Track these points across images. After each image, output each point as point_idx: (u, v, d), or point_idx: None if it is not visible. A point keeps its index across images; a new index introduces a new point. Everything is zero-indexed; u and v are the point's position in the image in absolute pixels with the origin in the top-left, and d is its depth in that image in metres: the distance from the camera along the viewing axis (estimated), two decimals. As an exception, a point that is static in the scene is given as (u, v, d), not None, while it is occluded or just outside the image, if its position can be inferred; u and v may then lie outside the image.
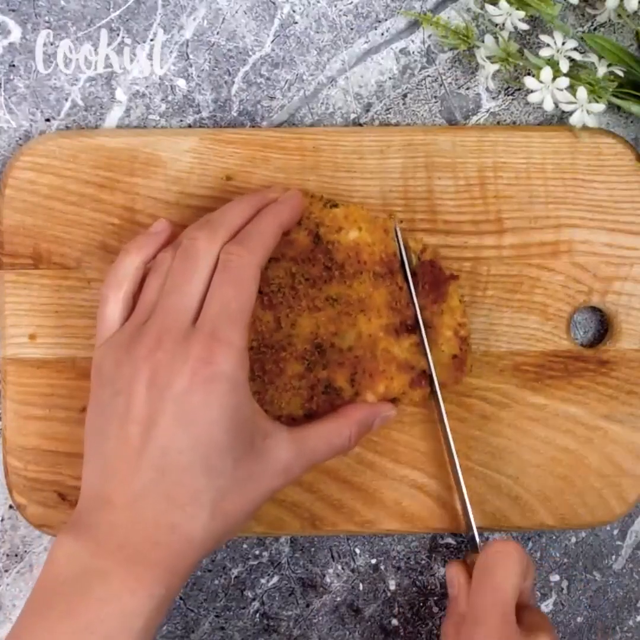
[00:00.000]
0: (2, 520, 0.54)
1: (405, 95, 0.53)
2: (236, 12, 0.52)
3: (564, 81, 0.49)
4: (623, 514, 0.53)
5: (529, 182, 0.52)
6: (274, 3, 0.52)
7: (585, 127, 0.51)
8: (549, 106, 0.49)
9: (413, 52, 0.53)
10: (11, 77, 0.52)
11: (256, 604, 0.55)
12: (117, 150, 0.51)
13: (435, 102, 0.53)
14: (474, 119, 0.54)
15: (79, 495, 0.44)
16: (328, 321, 0.48)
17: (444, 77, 0.53)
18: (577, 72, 0.49)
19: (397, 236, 0.49)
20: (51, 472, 0.52)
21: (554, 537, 0.55)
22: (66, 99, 0.53)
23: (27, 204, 0.51)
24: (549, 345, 0.52)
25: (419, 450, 0.52)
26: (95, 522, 0.42)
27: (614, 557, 0.56)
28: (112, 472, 0.43)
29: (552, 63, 0.49)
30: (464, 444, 0.52)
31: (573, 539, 0.56)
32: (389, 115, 0.53)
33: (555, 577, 0.56)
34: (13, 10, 0.52)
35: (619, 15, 0.51)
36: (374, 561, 0.55)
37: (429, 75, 0.53)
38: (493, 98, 0.54)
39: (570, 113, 0.50)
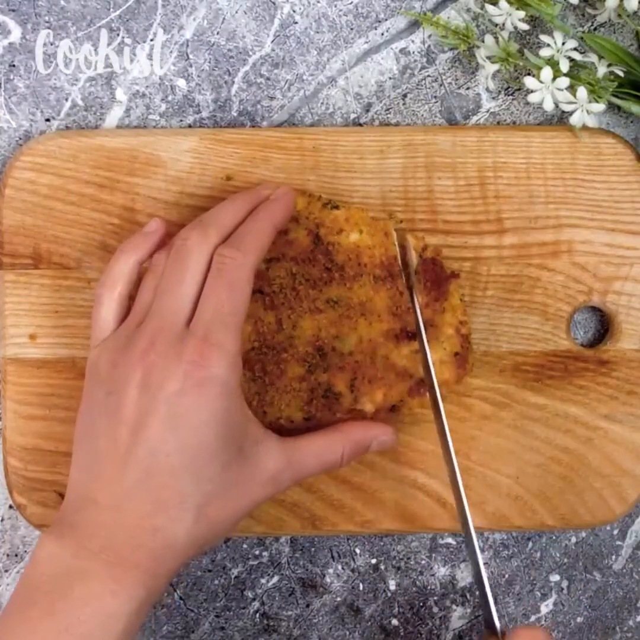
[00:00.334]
0: (2, 520, 0.54)
1: (405, 95, 0.53)
2: (236, 12, 0.52)
3: (564, 81, 0.49)
4: (623, 514, 0.53)
5: (529, 182, 0.52)
6: (274, 3, 0.52)
7: (585, 127, 0.51)
8: (549, 106, 0.49)
9: (413, 52, 0.53)
10: (11, 77, 0.52)
11: (256, 604, 0.55)
12: (117, 150, 0.51)
13: (435, 102, 0.53)
14: (474, 119, 0.54)
15: None
16: (329, 323, 0.48)
17: (444, 77, 0.53)
18: (577, 72, 0.49)
19: (396, 241, 0.49)
20: (51, 472, 0.52)
21: (554, 537, 0.55)
22: (66, 99, 0.52)
23: (27, 204, 0.51)
24: (549, 345, 0.52)
25: (419, 450, 0.52)
26: (79, 522, 0.42)
27: (614, 557, 0.56)
28: (99, 471, 0.42)
29: (552, 63, 0.49)
30: (464, 444, 0.52)
31: (573, 539, 0.56)
32: (389, 115, 0.53)
33: (555, 577, 0.56)
34: (13, 10, 0.52)
35: (619, 15, 0.51)
36: (374, 561, 0.55)
37: (429, 75, 0.53)
38: (493, 98, 0.54)
39: (570, 113, 0.50)
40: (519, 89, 0.54)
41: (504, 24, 0.50)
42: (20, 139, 0.53)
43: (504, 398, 0.52)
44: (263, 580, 0.55)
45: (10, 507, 0.54)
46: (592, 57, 0.50)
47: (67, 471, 0.51)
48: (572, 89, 0.49)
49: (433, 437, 0.52)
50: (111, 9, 0.52)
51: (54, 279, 0.51)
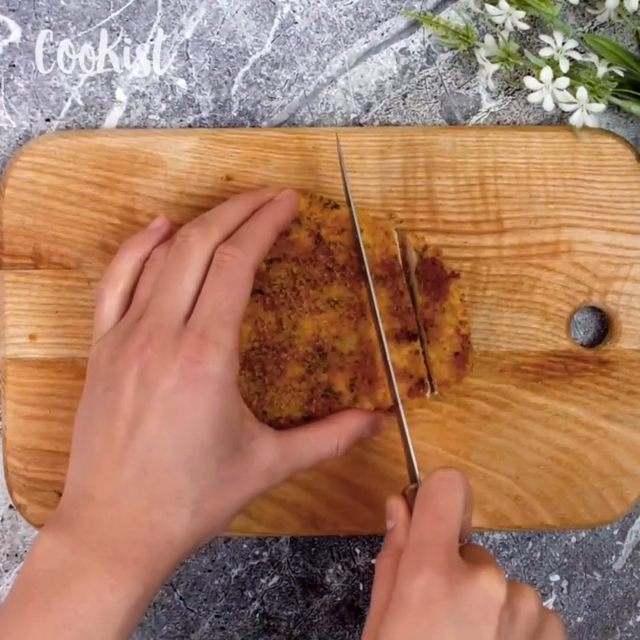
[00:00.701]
0: (2, 520, 0.54)
1: (405, 95, 0.53)
2: (236, 12, 0.52)
3: (564, 81, 0.49)
4: (623, 514, 0.53)
5: (529, 182, 0.52)
6: (274, 3, 0.52)
7: (585, 127, 0.51)
8: (549, 106, 0.50)
9: (413, 52, 0.53)
10: (11, 77, 0.52)
11: (256, 604, 0.55)
12: (117, 150, 0.51)
13: (435, 102, 0.53)
14: (474, 119, 0.54)
15: None
16: (329, 324, 0.48)
17: (444, 77, 0.53)
18: (577, 72, 0.49)
19: (397, 241, 0.49)
20: (51, 472, 0.52)
21: (554, 537, 0.55)
22: (66, 99, 0.53)
23: (27, 204, 0.51)
24: (549, 345, 0.52)
25: (419, 451, 0.52)
26: (76, 518, 0.42)
27: (614, 557, 0.56)
28: (96, 467, 0.43)
29: (552, 63, 0.49)
30: (464, 444, 0.52)
31: (573, 539, 0.56)
32: (389, 115, 0.53)
33: (555, 577, 0.56)
34: (13, 10, 0.52)
35: (619, 15, 0.51)
36: (374, 561, 0.55)
37: (429, 75, 0.53)
38: (493, 98, 0.54)
39: (570, 113, 0.50)
40: (519, 89, 0.54)
41: (504, 24, 0.50)
42: (20, 139, 0.53)
43: (503, 398, 0.52)
44: (263, 580, 0.55)
45: (10, 507, 0.54)
46: (592, 57, 0.50)
47: (67, 471, 0.51)
48: (572, 89, 0.49)
49: (433, 437, 0.52)
50: (111, 9, 0.52)
51: (54, 279, 0.51)
